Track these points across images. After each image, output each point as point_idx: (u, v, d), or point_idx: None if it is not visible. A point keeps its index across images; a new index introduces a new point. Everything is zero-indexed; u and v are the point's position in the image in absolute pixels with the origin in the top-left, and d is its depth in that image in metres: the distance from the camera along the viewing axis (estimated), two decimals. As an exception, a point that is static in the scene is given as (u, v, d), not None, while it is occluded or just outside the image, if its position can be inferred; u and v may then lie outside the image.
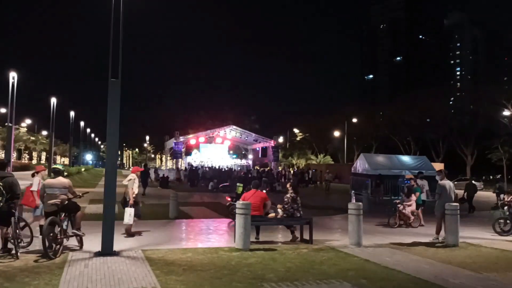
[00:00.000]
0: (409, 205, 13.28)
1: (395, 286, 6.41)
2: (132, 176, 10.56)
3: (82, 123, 55.58)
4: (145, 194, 24.13)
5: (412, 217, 13.25)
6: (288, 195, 10.26)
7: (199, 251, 8.62)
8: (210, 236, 11.06)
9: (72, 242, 8.62)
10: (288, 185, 10.72)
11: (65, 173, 9.72)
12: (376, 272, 7.28)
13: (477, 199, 28.35)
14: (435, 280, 6.78)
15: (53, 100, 28.97)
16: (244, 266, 7.40)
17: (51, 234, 7.59)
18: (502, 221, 12.22)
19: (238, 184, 14.44)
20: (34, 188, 9.28)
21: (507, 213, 12.43)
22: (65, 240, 8.08)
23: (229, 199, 13.73)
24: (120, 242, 9.15)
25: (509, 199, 12.75)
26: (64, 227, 8.04)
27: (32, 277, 6.23)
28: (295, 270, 7.22)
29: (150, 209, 17.10)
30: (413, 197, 13.53)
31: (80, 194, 8.49)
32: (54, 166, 8.45)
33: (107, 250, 7.85)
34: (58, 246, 7.74)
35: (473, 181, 23.05)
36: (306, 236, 10.14)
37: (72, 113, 40.09)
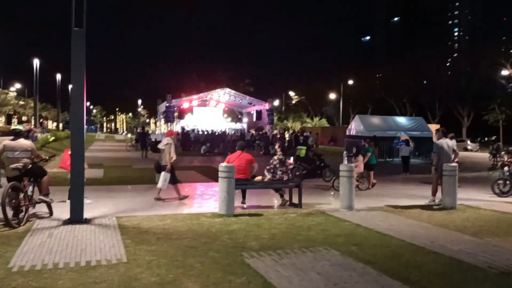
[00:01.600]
0: (356, 166, 11.95)
1: (388, 254, 5.84)
2: (169, 140, 10.03)
3: (70, 87, 54.08)
4: (147, 156, 24.27)
5: (356, 179, 11.74)
6: (275, 157, 9.60)
7: (179, 217, 8.00)
8: (195, 201, 10.47)
9: (44, 209, 8.00)
10: (276, 147, 10.06)
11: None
12: (367, 238, 6.72)
13: (472, 160, 28.06)
14: (432, 246, 6.22)
15: (36, 62, 27.76)
16: (225, 233, 6.81)
17: (13, 201, 6.92)
18: (501, 182, 11.69)
19: (299, 147, 14.15)
20: None
21: (507, 173, 11.89)
22: (31, 207, 7.43)
23: (291, 162, 13.41)
24: (95, 209, 8.56)
25: (509, 159, 12.19)
26: (29, 193, 7.37)
27: (-14, 249, 5.60)
28: (280, 237, 6.64)
29: (137, 174, 16.54)
30: (360, 158, 12.53)
31: (46, 157, 7.79)
32: (14, 127, 7.66)
33: (76, 217, 7.22)
34: (22, 214, 7.09)
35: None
36: (296, 200, 9.57)
37: (58, 76, 38.83)
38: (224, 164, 8.55)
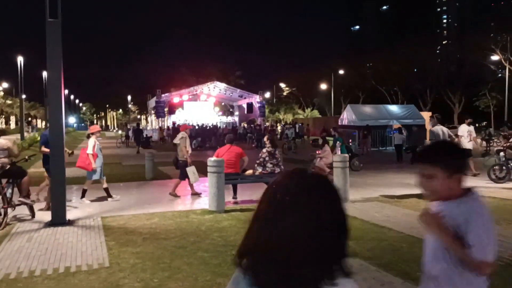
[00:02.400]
0: (322, 158, 11.58)
1: (386, 247, 5.58)
2: (183, 134, 9.94)
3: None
4: (139, 152, 24.13)
5: (328, 170, 11.08)
6: (264, 150, 9.27)
7: (168, 215, 7.68)
8: (186, 198, 10.12)
9: (26, 211, 7.63)
10: (265, 139, 9.73)
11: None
12: (364, 230, 6.45)
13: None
14: (431, 237, 5.95)
15: (20, 59, 27.12)
16: (216, 231, 6.50)
17: (-10, 204, 6.56)
18: (497, 167, 11.47)
19: (326, 138, 13.92)
20: (90, 150, 8.74)
21: (503, 159, 11.68)
22: (10, 210, 7.06)
23: (319, 152, 13.09)
24: (79, 209, 8.21)
25: (505, 144, 11.98)
26: (8, 195, 6.99)
27: (-41, 257, 5.25)
28: (273, 233, 6.33)
29: (126, 170, 16.13)
30: (327, 148, 11.93)
31: (26, 157, 7.41)
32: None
33: (58, 219, 6.87)
34: (1, 217, 6.72)
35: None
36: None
37: (44, 74, 38.04)
38: (213, 158, 8.23)
